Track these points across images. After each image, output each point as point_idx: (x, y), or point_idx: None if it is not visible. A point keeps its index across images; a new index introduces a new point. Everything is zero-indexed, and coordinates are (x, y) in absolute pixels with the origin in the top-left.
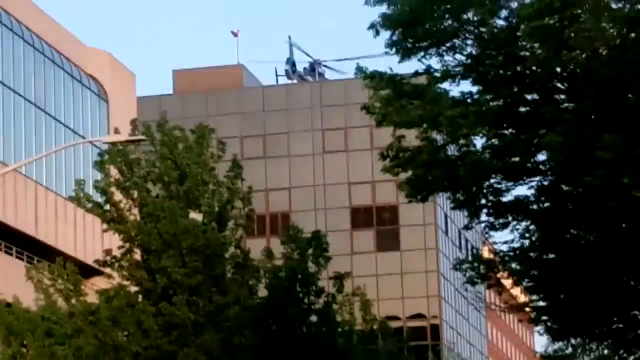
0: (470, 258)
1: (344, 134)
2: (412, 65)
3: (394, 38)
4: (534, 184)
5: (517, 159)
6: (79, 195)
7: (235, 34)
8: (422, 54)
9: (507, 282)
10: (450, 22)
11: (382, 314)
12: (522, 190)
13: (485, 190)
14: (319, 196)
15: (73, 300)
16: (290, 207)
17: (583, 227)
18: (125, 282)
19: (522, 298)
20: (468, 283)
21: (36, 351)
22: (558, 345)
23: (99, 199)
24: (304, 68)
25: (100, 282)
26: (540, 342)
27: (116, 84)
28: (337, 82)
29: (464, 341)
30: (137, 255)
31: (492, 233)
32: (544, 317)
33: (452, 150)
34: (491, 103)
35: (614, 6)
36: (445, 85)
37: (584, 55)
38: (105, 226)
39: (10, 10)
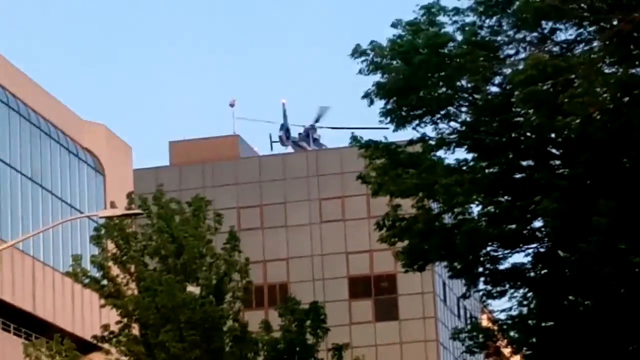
0: (468, 327)
1: (340, 203)
2: (407, 134)
3: (389, 107)
4: (530, 250)
5: (513, 226)
6: (76, 270)
7: (232, 105)
8: (416, 122)
9: (506, 351)
10: (444, 89)
11: None
12: (519, 257)
13: (482, 259)
14: (316, 266)
15: None
16: (289, 278)
17: (580, 293)
18: (124, 358)
19: None
20: (467, 352)
21: None
22: None
23: (96, 273)
24: (299, 134)
25: (98, 358)
26: None
27: (112, 157)
28: (333, 150)
29: None
30: (135, 330)
31: (490, 301)
32: None
33: (448, 218)
34: (486, 170)
35: (606, 71)
36: (440, 153)
37: (578, 121)
38: (102, 301)
39: (5, 85)
